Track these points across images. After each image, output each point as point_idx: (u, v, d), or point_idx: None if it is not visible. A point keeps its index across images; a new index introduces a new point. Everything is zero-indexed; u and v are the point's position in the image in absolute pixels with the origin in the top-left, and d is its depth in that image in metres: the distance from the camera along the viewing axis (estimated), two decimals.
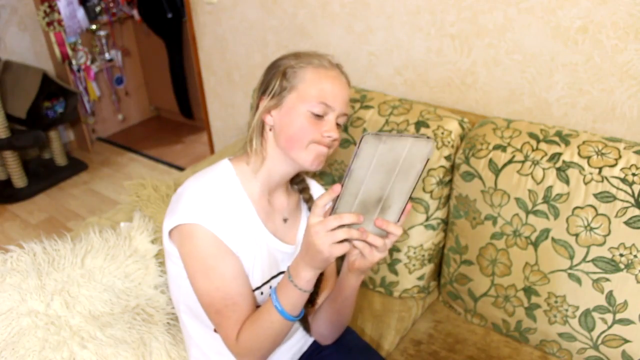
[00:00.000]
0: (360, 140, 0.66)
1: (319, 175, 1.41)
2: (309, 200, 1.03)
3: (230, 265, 0.86)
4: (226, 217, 0.87)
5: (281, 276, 0.97)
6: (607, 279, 1.06)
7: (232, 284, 0.86)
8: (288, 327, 0.84)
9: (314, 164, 0.90)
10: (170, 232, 0.89)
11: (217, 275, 0.86)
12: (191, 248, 0.86)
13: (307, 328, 1.05)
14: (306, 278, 0.78)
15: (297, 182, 1.04)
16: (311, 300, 1.05)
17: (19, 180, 2.79)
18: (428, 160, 0.71)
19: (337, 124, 0.92)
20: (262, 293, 0.94)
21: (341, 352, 1.06)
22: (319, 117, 0.89)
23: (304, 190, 1.04)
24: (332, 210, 0.72)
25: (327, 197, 0.72)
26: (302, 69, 0.91)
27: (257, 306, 0.96)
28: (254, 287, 0.92)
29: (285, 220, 1.00)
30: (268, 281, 0.95)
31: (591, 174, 1.05)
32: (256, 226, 0.92)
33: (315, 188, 1.09)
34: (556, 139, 1.13)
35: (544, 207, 1.10)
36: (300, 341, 1.08)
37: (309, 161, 0.90)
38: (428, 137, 0.69)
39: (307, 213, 1.04)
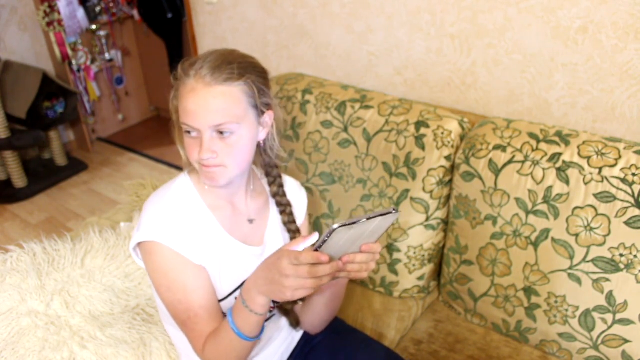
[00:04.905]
0: (331, 232, 0.67)
1: (318, 176, 1.41)
2: (277, 195, 1.02)
3: (191, 278, 0.88)
4: (185, 232, 0.88)
5: None
6: (607, 279, 1.06)
7: (194, 296, 0.87)
8: (249, 345, 0.84)
9: (210, 184, 0.89)
10: (135, 249, 0.92)
11: (178, 288, 0.87)
12: (152, 264, 0.88)
13: (293, 324, 1.05)
14: (261, 303, 0.78)
15: (272, 175, 1.02)
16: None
17: (19, 180, 2.79)
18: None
19: (221, 132, 0.84)
20: (236, 298, 0.94)
21: (331, 337, 1.07)
22: (195, 136, 0.85)
23: (274, 183, 1.02)
24: None
25: (302, 243, 0.72)
26: (177, 85, 0.86)
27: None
28: (226, 294, 0.93)
29: (251, 221, 0.99)
30: (241, 285, 0.94)
31: (591, 174, 1.05)
32: (219, 235, 0.93)
33: (291, 186, 1.08)
34: (556, 139, 1.13)
35: (544, 207, 1.10)
36: (287, 340, 1.08)
37: (207, 182, 0.89)
38: (395, 210, 0.71)
39: (275, 209, 1.03)
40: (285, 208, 1.02)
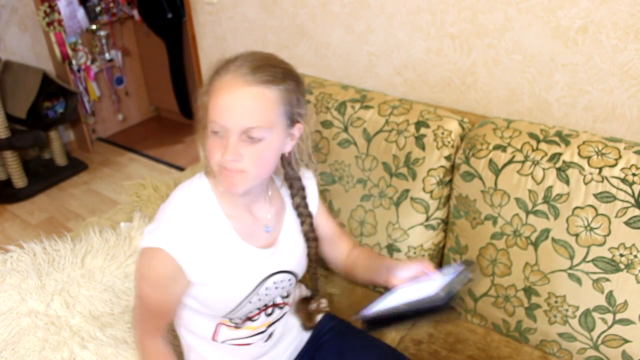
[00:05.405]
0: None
1: (318, 176, 1.41)
2: (299, 207, 1.00)
3: (177, 289, 0.88)
4: (196, 247, 0.86)
5: (268, 281, 0.94)
6: (607, 279, 1.06)
7: (171, 302, 0.90)
8: None
9: (228, 189, 0.84)
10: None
11: (161, 290, 0.88)
12: (149, 265, 0.87)
13: (305, 324, 1.06)
14: None
15: (294, 187, 0.99)
16: (313, 297, 1.08)
17: (19, 180, 2.79)
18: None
19: (250, 137, 0.79)
20: (250, 302, 0.93)
21: (338, 337, 1.08)
22: (222, 137, 0.80)
23: (297, 195, 0.99)
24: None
25: None
26: (212, 80, 0.82)
27: (247, 317, 0.96)
28: (241, 299, 0.91)
29: (268, 230, 0.96)
30: (255, 289, 0.93)
31: (591, 174, 1.05)
32: (234, 243, 0.90)
33: (311, 186, 1.05)
34: (556, 139, 1.13)
35: (544, 207, 1.10)
36: (296, 339, 1.09)
37: (224, 187, 0.84)
38: (469, 266, 0.76)
39: (292, 215, 1.01)
40: (306, 219, 1.00)
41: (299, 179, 0.99)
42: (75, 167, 3.06)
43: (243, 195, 0.89)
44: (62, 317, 1.12)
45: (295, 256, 1.00)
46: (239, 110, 0.78)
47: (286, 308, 1.03)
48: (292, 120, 0.86)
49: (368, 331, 1.03)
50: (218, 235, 0.88)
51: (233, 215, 0.90)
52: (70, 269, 1.19)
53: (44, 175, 2.95)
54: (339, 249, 1.10)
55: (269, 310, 0.99)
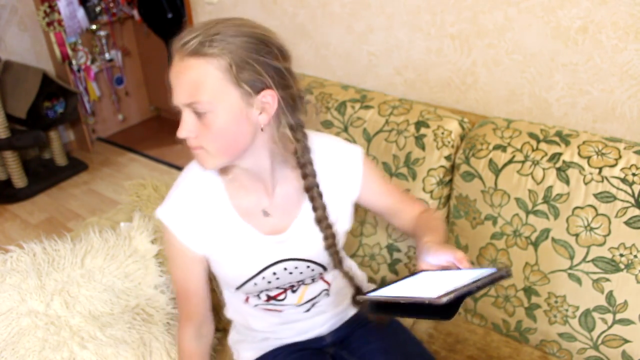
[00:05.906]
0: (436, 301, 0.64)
1: None
2: (309, 190, 0.91)
3: (188, 265, 0.92)
4: (196, 223, 0.90)
5: (276, 266, 0.92)
6: (607, 279, 1.06)
7: (188, 283, 0.94)
8: None
9: (200, 166, 0.84)
10: None
11: (177, 268, 0.94)
12: (165, 238, 0.95)
13: (355, 296, 1.06)
14: None
15: (304, 167, 0.90)
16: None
17: (19, 180, 2.79)
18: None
19: (197, 112, 0.77)
20: (255, 284, 0.94)
21: (373, 329, 1.08)
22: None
23: (306, 177, 0.91)
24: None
25: None
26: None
27: (261, 295, 0.98)
28: (245, 279, 0.93)
29: (265, 213, 0.91)
30: (260, 272, 0.92)
31: (591, 174, 1.05)
32: (233, 222, 0.91)
33: (346, 164, 0.97)
34: (556, 139, 1.13)
35: (544, 207, 1.10)
36: (339, 315, 1.08)
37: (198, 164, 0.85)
38: (507, 272, 0.70)
39: (308, 202, 0.93)
40: (317, 205, 0.91)
41: (309, 162, 0.90)
42: (75, 167, 3.06)
43: (245, 174, 0.89)
44: (62, 317, 1.12)
45: (314, 244, 0.94)
46: (178, 86, 0.77)
47: (318, 286, 1.00)
48: (250, 89, 0.76)
49: (369, 313, 1.05)
50: (218, 212, 0.91)
51: (235, 195, 0.91)
52: (70, 269, 1.19)
53: (44, 175, 2.95)
54: (400, 220, 1.06)
55: (295, 288, 0.98)
